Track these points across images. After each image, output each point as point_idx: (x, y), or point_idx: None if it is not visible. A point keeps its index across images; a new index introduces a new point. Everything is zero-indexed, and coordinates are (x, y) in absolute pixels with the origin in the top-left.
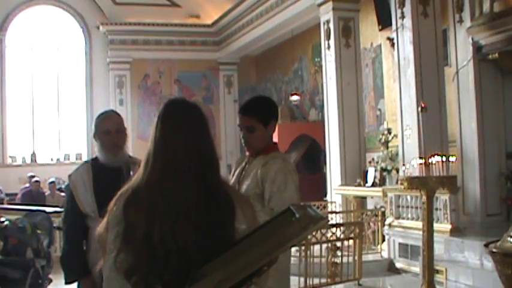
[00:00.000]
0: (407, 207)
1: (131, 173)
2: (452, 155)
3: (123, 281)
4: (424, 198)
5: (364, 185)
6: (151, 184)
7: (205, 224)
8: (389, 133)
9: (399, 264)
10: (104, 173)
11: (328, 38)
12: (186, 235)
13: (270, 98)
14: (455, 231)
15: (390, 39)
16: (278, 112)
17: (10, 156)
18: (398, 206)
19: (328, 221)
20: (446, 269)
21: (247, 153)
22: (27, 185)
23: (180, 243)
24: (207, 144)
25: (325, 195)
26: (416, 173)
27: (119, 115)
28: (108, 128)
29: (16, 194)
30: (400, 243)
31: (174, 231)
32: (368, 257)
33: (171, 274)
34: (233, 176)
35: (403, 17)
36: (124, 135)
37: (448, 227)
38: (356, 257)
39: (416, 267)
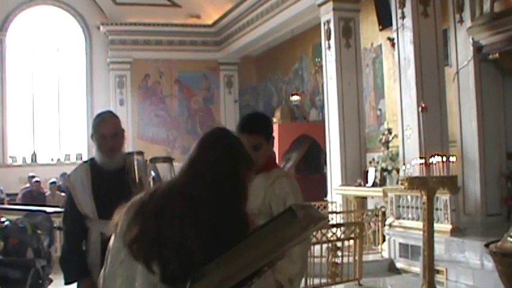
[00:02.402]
0: (408, 207)
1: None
2: (452, 155)
3: (125, 251)
4: (425, 198)
5: (365, 185)
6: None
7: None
8: (390, 133)
9: (400, 264)
10: (103, 174)
11: (329, 38)
12: (193, 229)
13: (266, 114)
14: (456, 232)
15: (390, 39)
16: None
17: (10, 157)
18: (399, 206)
19: (329, 221)
20: (446, 269)
21: None
22: (28, 185)
23: (186, 230)
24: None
25: (326, 196)
26: (416, 173)
27: (116, 117)
28: (104, 133)
29: (16, 194)
30: (400, 243)
31: (184, 218)
32: (368, 257)
33: (172, 254)
34: None
35: (403, 17)
36: (121, 138)
37: (449, 227)
38: (356, 257)
39: (417, 267)
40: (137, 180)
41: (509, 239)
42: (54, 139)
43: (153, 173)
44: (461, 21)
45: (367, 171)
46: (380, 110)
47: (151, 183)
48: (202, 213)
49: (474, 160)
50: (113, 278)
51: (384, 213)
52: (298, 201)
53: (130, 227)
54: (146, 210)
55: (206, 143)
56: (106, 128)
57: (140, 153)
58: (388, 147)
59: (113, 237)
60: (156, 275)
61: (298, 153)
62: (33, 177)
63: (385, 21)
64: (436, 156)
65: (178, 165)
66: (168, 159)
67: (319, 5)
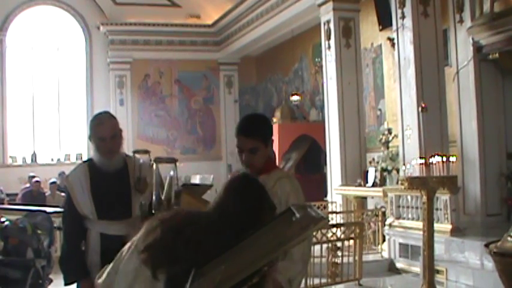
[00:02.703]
0: (408, 207)
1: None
2: (452, 155)
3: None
4: (425, 198)
5: (365, 185)
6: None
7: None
8: (390, 133)
9: (400, 264)
10: (102, 175)
11: (329, 38)
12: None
13: (266, 116)
14: (456, 231)
15: (390, 39)
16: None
17: (10, 157)
18: (399, 206)
19: (329, 221)
20: (446, 269)
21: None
22: (28, 185)
23: (199, 255)
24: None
25: (326, 196)
26: (416, 173)
27: (113, 118)
28: (103, 135)
29: (16, 194)
30: (400, 243)
31: (200, 245)
32: (368, 257)
33: (179, 270)
34: None
35: (403, 17)
36: (119, 140)
37: (449, 227)
38: (356, 257)
39: (417, 267)
40: (142, 180)
41: (509, 239)
42: (54, 139)
43: (172, 172)
44: (461, 21)
45: (367, 171)
46: (380, 110)
47: (170, 182)
48: (220, 247)
49: (474, 160)
50: (119, 275)
51: (383, 213)
52: (300, 201)
53: (147, 236)
54: (166, 225)
55: (232, 192)
56: (104, 131)
57: (146, 152)
58: (388, 147)
59: (129, 242)
60: (160, 282)
61: (298, 153)
62: (33, 177)
63: (385, 21)
64: (436, 156)
65: (180, 166)
66: (172, 160)
67: (319, 5)
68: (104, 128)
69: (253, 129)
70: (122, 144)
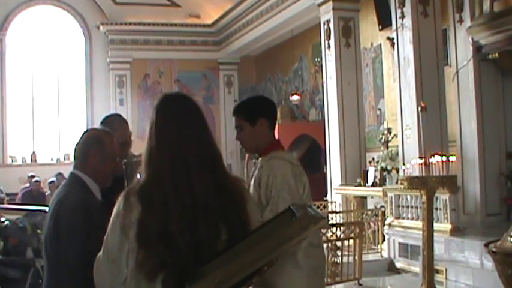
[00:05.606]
0: (408, 207)
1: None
2: (452, 155)
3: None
4: (424, 198)
5: (364, 185)
6: (162, 179)
7: (223, 214)
8: (390, 133)
9: (399, 264)
10: None
11: (328, 37)
12: (208, 227)
13: (261, 97)
14: (455, 231)
15: (390, 39)
16: (269, 109)
17: (10, 156)
18: (399, 206)
19: (328, 220)
20: (446, 269)
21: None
22: (28, 184)
23: (202, 236)
24: (210, 135)
25: (325, 195)
26: (416, 173)
27: (125, 122)
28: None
29: (16, 194)
30: (400, 243)
31: (194, 225)
32: (368, 257)
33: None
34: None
35: (403, 16)
36: (129, 145)
37: (448, 226)
38: (356, 257)
39: (417, 267)
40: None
41: (508, 238)
42: (54, 139)
43: (139, 175)
44: (460, 21)
45: (367, 171)
46: (380, 109)
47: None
48: (210, 206)
49: (474, 160)
50: None
51: (383, 213)
52: (276, 179)
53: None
54: (147, 230)
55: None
56: (115, 137)
57: None
58: (387, 147)
59: None
60: None
61: (298, 153)
62: (33, 177)
63: (384, 21)
64: (435, 156)
65: None
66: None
67: (319, 5)
68: (114, 135)
69: (237, 108)
70: (130, 148)
